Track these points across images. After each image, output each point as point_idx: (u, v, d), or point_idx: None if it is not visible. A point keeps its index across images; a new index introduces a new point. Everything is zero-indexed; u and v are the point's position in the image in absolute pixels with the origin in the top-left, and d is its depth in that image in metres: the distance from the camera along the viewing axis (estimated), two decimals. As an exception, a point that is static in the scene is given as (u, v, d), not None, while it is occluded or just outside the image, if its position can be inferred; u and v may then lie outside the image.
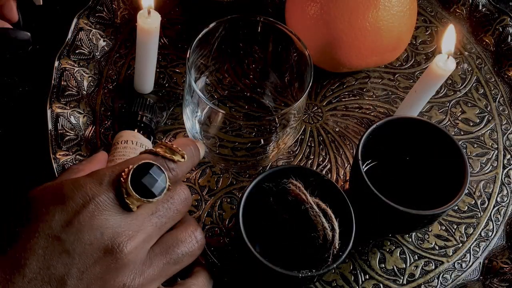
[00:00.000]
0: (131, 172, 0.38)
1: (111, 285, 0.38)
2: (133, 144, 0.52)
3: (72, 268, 0.36)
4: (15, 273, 0.36)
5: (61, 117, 0.57)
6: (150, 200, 0.39)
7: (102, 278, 0.37)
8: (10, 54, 0.47)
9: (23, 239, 0.36)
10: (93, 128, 0.59)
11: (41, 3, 0.54)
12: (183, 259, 0.43)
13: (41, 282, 0.36)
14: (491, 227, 0.59)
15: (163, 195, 0.40)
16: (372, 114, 0.65)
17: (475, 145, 0.64)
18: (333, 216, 0.48)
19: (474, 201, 0.60)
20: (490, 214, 0.60)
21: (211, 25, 0.53)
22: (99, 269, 0.37)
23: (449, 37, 0.56)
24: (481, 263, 0.57)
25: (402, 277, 0.55)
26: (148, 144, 0.53)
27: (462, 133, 0.65)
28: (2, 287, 0.35)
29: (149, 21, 0.54)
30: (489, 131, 0.65)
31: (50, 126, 0.56)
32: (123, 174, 0.39)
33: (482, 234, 0.58)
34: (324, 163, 0.61)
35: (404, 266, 0.55)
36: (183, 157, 0.42)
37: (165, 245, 0.42)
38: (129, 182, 0.38)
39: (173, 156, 0.41)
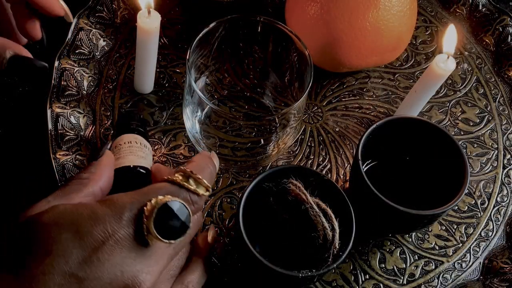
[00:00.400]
0: (155, 212, 0.36)
1: None
2: (137, 144, 0.52)
3: None
4: None
5: (61, 117, 0.57)
6: (172, 242, 0.37)
7: None
8: (25, 81, 0.46)
9: (34, 275, 0.34)
10: (93, 128, 0.59)
11: (72, 20, 0.54)
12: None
13: None
14: (491, 227, 0.59)
15: (183, 237, 0.38)
16: (372, 114, 0.65)
17: (475, 145, 0.64)
18: (333, 216, 0.48)
19: (474, 201, 0.60)
20: (490, 214, 0.60)
21: (211, 25, 0.53)
22: None
23: (450, 37, 0.56)
24: (481, 263, 0.57)
25: (402, 277, 0.55)
26: (149, 146, 0.53)
27: (462, 133, 0.65)
28: None
29: (149, 21, 0.54)
30: (489, 131, 0.65)
31: (50, 126, 0.56)
32: (145, 210, 0.36)
33: (482, 234, 0.58)
34: (324, 163, 0.61)
35: (404, 266, 0.55)
36: (207, 190, 0.40)
37: (182, 280, 0.43)
38: (152, 223, 0.36)
39: (198, 190, 0.39)
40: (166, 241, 0.37)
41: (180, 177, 0.39)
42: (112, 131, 0.59)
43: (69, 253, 0.34)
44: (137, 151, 0.51)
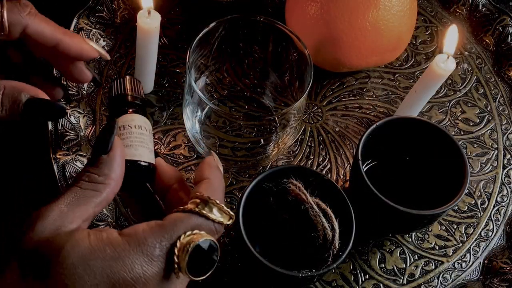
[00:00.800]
0: (188, 252, 0.35)
1: None
2: (147, 132, 0.45)
3: None
4: None
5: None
6: (202, 277, 0.36)
7: None
8: (42, 120, 0.45)
9: None
10: (93, 128, 0.59)
11: (108, 58, 0.53)
12: None
13: None
14: (491, 227, 0.59)
15: (209, 273, 0.37)
16: (372, 114, 0.65)
17: (475, 145, 0.64)
18: (333, 216, 0.48)
19: (474, 201, 0.60)
20: (490, 214, 0.60)
21: (211, 25, 0.53)
22: None
23: (452, 37, 0.56)
24: (481, 263, 0.57)
25: (402, 277, 0.55)
26: (148, 125, 0.46)
27: (462, 133, 0.65)
28: None
29: (149, 21, 0.54)
30: (489, 131, 0.65)
31: (50, 126, 0.56)
32: (176, 249, 0.35)
33: (482, 234, 0.58)
34: (324, 163, 0.61)
35: (404, 266, 0.55)
36: (231, 218, 0.39)
37: None
38: (185, 263, 0.35)
39: (222, 220, 0.38)
40: (196, 278, 0.36)
41: (201, 206, 0.37)
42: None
43: None
44: (148, 141, 0.44)
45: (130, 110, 0.44)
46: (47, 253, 0.33)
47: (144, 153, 0.43)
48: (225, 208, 0.38)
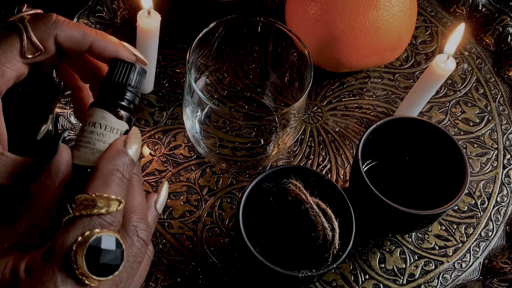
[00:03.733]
0: (84, 258, 0.33)
1: None
2: (113, 133, 0.39)
3: None
4: None
5: (61, 117, 0.57)
6: (115, 274, 0.34)
7: None
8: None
9: None
10: (93, 128, 0.59)
11: (147, 63, 0.45)
12: None
13: None
14: (491, 227, 0.59)
15: (125, 258, 0.35)
16: (372, 114, 0.65)
17: (475, 145, 0.64)
18: (333, 216, 0.48)
19: (474, 201, 0.60)
20: (490, 214, 0.60)
21: (211, 25, 0.53)
22: None
23: (458, 35, 0.56)
24: (481, 263, 0.57)
25: (402, 277, 0.55)
26: (123, 127, 0.40)
27: (462, 133, 0.65)
28: None
29: (149, 21, 0.54)
30: (489, 131, 0.65)
31: (50, 126, 0.56)
32: (71, 263, 0.33)
33: (482, 234, 0.58)
34: (324, 163, 0.61)
35: (404, 266, 0.55)
36: (120, 202, 0.35)
37: None
38: (86, 269, 0.33)
39: (110, 209, 0.35)
40: (109, 277, 0.34)
41: (83, 209, 0.35)
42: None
43: None
44: (96, 142, 0.39)
45: (119, 111, 0.40)
46: None
47: (88, 156, 0.39)
48: (111, 196, 0.35)
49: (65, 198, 0.37)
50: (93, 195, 0.35)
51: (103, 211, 0.34)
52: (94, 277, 0.33)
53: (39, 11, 0.41)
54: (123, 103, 0.40)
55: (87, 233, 0.34)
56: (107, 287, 0.35)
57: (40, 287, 0.33)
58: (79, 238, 0.33)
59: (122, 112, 0.40)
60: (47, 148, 0.45)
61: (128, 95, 0.40)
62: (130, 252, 0.36)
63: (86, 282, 0.33)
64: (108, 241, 0.34)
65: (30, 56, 0.39)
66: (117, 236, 0.35)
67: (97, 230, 0.34)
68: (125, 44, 0.43)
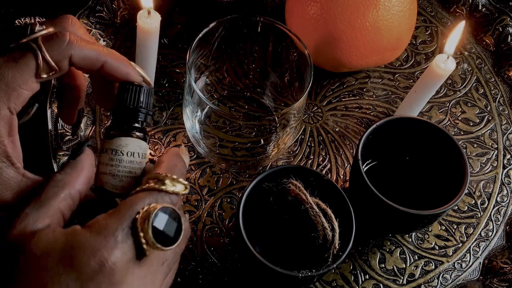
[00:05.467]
0: (151, 221, 0.35)
1: None
2: (139, 157, 0.42)
3: None
4: None
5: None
6: (172, 247, 0.37)
7: None
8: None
9: None
10: (93, 128, 0.59)
11: (152, 85, 0.46)
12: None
13: None
14: (491, 227, 0.59)
15: (179, 241, 0.37)
16: (372, 114, 0.65)
17: (475, 145, 0.64)
18: (333, 216, 0.48)
19: (474, 201, 0.60)
20: (490, 214, 0.60)
21: (211, 25, 0.53)
22: None
23: (457, 34, 0.56)
24: (481, 263, 0.57)
25: (402, 277, 0.55)
26: (145, 147, 0.43)
27: (462, 133, 0.65)
28: None
29: (149, 21, 0.54)
30: (489, 131, 0.65)
31: (50, 126, 0.56)
32: (138, 224, 0.35)
33: (482, 234, 0.58)
34: (324, 163, 0.61)
35: (404, 266, 0.55)
36: (186, 188, 0.39)
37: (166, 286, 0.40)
38: (151, 234, 0.35)
39: (176, 190, 0.38)
40: (167, 248, 0.36)
41: (153, 182, 0.38)
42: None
43: (65, 282, 0.33)
44: (136, 170, 0.42)
45: (136, 133, 0.42)
46: (16, 251, 0.35)
47: (124, 185, 0.41)
48: (179, 179, 0.38)
49: (85, 215, 0.39)
50: (163, 174, 0.38)
51: (170, 189, 0.38)
52: (157, 244, 0.35)
53: (51, 29, 0.41)
54: (140, 125, 0.42)
55: (154, 204, 0.36)
56: (157, 261, 0.37)
57: (99, 237, 0.34)
58: (149, 206, 0.36)
59: (140, 134, 0.42)
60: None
61: (143, 117, 0.43)
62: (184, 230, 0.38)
63: (145, 247, 0.35)
64: (173, 214, 0.37)
65: (44, 76, 0.40)
66: (180, 213, 0.37)
67: (165, 204, 0.37)
68: (133, 64, 0.45)
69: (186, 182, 0.39)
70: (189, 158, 0.45)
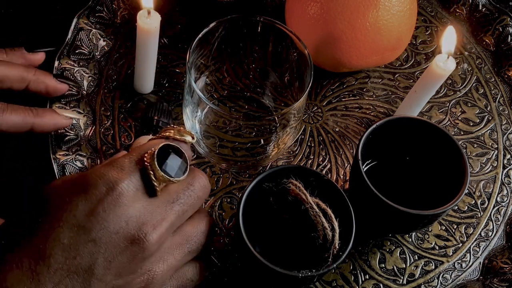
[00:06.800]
0: (156, 153, 0.39)
1: (137, 273, 0.38)
2: None
3: (99, 257, 0.36)
4: (40, 263, 0.35)
5: (61, 117, 0.57)
6: (178, 179, 0.40)
7: (128, 267, 0.37)
8: None
9: (45, 229, 0.36)
10: (93, 128, 0.59)
11: (81, 118, 0.59)
12: (199, 249, 0.44)
13: (67, 272, 0.35)
14: (491, 227, 0.59)
15: (186, 175, 0.41)
16: (372, 114, 0.65)
17: (475, 145, 0.64)
18: (333, 216, 0.48)
19: (474, 201, 0.60)
20: (490, 214, 0.60)
21: (211, 25, 0.53)
22: (126, 258, 0.37)
23: (449, 37, 0.56)
24: (481, 263, 0.57)
25: (402, 277, 0.55)
26: None
27: (462, 133, 0.65)
28: (27, 278, 0.34)
29: (149, 21, 0.54)
30: (489, 131, 0.65)
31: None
32: (145, 158, 0.39)
33: (482, 234, 0.58)
34: (324, 163, 0.61)
35: (404, 266, 0.55)
36: (192, 138, 0.43)
37: (186, 235, 0.42)
38: (156, 164, 0.38)
39: (184, 138, 0.42)
40: (173, 179, 0.39)
41: (168, 133, 0.42)
42: (111, 132, 0.58)
43: (75, 207, 0.36)
44: None
45: (151, 134, 0.52)
46: (46, 187, 0.39)
47: None
48: (186, 130, 0.43)
49: None
50: (170, 126, 0.44)
51: (177, 136, 0.42)
52: (161, 172, 0.38)
53: None
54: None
55: (161, 145, 0.40)
56: (166, 197, 0.40)
57: (108, 166, 0.38)
58: (154, 149, 0.39)
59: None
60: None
61: (163, 125, 0.56)
62: (192, 180, 0.42)
63: (153, 179, 0.38)
64: (177, 152, 0.40)
65: None
66: (185, 153, 0.41)
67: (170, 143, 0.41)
68: (61, 111, 0.55)
69: (193, 133, 0.43)
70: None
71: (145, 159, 0.39)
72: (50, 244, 0.35)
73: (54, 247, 0.35)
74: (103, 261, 0.36)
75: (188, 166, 0.41)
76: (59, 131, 0.56)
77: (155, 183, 0.38)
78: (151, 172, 0.38)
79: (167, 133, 0.42)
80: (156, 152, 0.39)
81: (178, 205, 0.40)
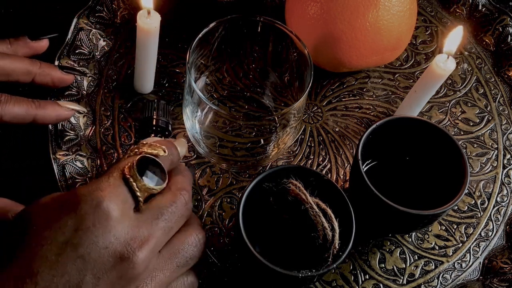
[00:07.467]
0: (135, 165, 0.39)
1: None
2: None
3: (88, 274, 0.36)
4: (27, 282, 0.34)
5: (61, 117, 0.57)
6: (160, 187, 0.41)
7: (116, 284, 0.37)
8: None
9: (32, 246, 0.35)
10: (93, 128, 0.59)
11: (85, 110, 0.59)
12: (190, 262, 0.43)
13: None
14: (491, 227, 0.59)
15: (165, 184, 0.42)
16: (372, 114, 0.65)
17: (475, 145, 0.64)
18: (333, 216, 0.48)
19: (474, 201, 0.60)
20: (490, 214, 0.60)
21: (211, 25, 0.53)
22: (115, 275, 0.37)
23: (456, 36, 0.56)
24: (481, 263, 0.57)
25: (402, 277, 0.55)
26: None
27: (462, 133, 0.65)
28: None
29: (149, 21, 0.54)
30: (489, 131, 0.65)
31: (50, 126, 0.56)
32: (126, 171, 0.39)
33: (482, 234, 0.58)
34: (324, 163, 0.61)
35: (404, 266, 0.55)
36: (164, 151, 0.43)
37: (173, 249, 0.42)
38: (137, 174, 0.39)
39: (154, 151, 0.43)
40: (155, 187, 0.40)
41: (141, 149, 0.43)
42: (111, 132, 0.58)
43: (64, 224, 0.36)
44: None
45: (153, 134, 0.53)
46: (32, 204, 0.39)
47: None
48: (156, 144, 0.43)
49: None
50: (141, 143, 0.44)
51: (149, 151, 0.42)
52: (143, 182, 0.39)
53: None
54: (160, 129, 0.55)
55: (139, 157, 0.41)
56: (152, 213, 0.40)
57: (93, 184, 0.38)
58: (133, 162, 0.40)
59: (164, 136, 0.55)
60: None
61: (162, 123, 0.55)
62: (174, 198, 0.42)
63: (136, 190, 0.39)
64: (154, 162, 0.41)
65: None
66: (161, 163, 0.42)
67: (147, 155, 0.42)
68: (61, 102, 0.55)
69: (163, 146, 0.43)
70: (186, 150, 0.50)
71: (126, 172, 0.39)
72: (37, 262, 0.35)
73: (42, 265, 0.35)
74: (91, 278, 0.36)
75: (166, 176, 0.42)
76: (59, 131, 0.56)
77: (138, 194, 0.39)
78: (134, 183, 0.39)
79: (140, 150, 0.42)
80: (135, 164, 0.39)
81: (163, 222, 0.40)
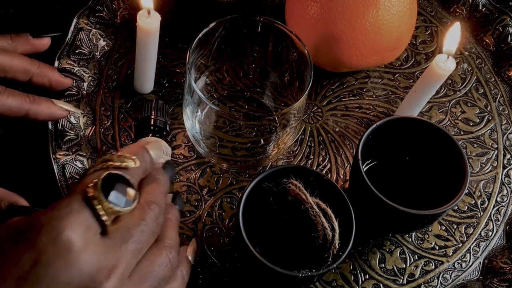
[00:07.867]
0: (99, 185, 0.35)
1: None
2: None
3: None
4: None
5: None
6: (128, 208, 0.36)
7: None
8: None
9: None
10: (93, 128, 0.59)
11: (79, 112, 0.58)
12: (162, 283, 0.39)
13: None
14: (491, 227, 0.59)
15: (135, 203, 0.37)
16: (372, 114, 0.65)
17: (475, 145, 0.64)
18: (333, 216, 0.48)
19: (474, 201, 0.60)
20: (490, 214, 0.60)
21: (211, 25, 0.53)
22: None
23: (454, 34, 0.56)
24: (481, 263, 0.57)
25: (402, 277, 0.55)
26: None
27: (462, 133, 0.65)
28: None
29: (149, 21, 0.54)
30: (489, 131, 0.65)
31: (50, 126, 0.56)
32: (89, 192, 0.35)
33: (482, 234, 0.58)
34: (324, 163, 0.61)
35: (404, 266, 0.55)
36: (135, 162, 0.39)
37: (143, 271, 0.38)
38: (102, 195, 0.35)
39: (123, 164, 0.38)
40: (123, 208, 0.36)
41: (108, 162, 0.38)
42: (111, 132, 0.58)
43: (21, 257, 0.32)
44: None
45: (151, 134, 0.51)
46: None
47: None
48: (125, 154, 0.39)
49: None
50: (109, 155, 0.39)
51: (117, 164, 0.38)
52: (110, 204, 0.35)
53: None
54: (158, 129, 0.53)
55: (104, 174, 0.36)
56: (120, 236, 0.36)
57: (53, 211, 0.34)
58: (97, 180, 0.35)
59: (162, 136, 0.52)
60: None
61: (160, 123, 0.53)
62: (143, 214, 0.38)
63: (101, 214, 0.35)
64: (122, 179, 0.37)
65: None
66: (130, 180, 0.37)
67: (112, 172, 0.37)
68: (56, 101, 0.55)
69: (132, 156, 0.39)
70: (168, 152, 0.46)
71: (89, 192, 0.35)
72: None
73: None
74: None
75: (135, 193, 0.37)
76: (59, 131, 0.56)
77: (104, 218, 0.35)
78: (99, 206, 0.34)
79: (108, 163, 0.38)
80: (100, 183, 0.35)
81: (133, 244, 0.36)
